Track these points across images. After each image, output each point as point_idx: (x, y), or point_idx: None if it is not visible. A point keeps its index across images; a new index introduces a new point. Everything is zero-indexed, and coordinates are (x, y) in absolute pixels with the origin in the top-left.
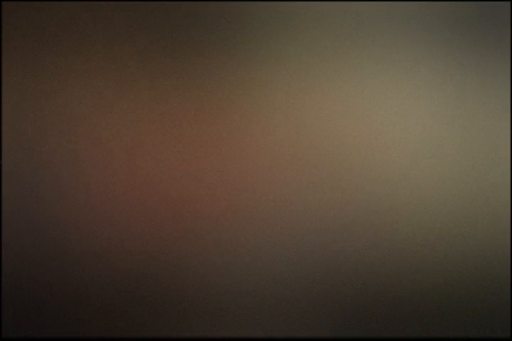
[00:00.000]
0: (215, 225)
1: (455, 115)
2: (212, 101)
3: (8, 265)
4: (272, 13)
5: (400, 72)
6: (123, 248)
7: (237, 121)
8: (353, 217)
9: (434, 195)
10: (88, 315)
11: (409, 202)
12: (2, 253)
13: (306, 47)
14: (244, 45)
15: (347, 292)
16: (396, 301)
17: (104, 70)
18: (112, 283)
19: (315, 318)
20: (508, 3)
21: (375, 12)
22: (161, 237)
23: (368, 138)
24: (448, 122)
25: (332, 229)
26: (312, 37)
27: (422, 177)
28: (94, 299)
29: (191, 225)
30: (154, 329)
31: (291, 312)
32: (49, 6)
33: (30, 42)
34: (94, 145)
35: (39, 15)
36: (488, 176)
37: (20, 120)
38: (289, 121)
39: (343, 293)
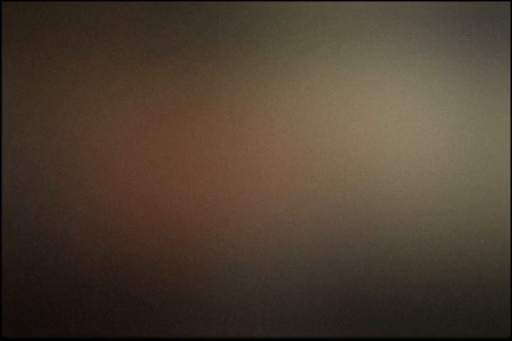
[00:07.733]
0: (216, 225)
1: (455, 115)
2: (213, 101)
3: (8, 265)
4: (273, 14)
5: (400, 72)
6: (123, 248)
7: (239, 123)
8: (353, 217)
9: (433, 195)
10: (88, 315)
11: (410, 202)
12: (2, 253)
13: (306, 48)
14: (245, 46)
15: (347, 292)
16: (396, 301)
17: (104, 70)
18: (112, 284)
19: (316, 318)
20: (508, 3)
21: (374, 12)
22: (161, 238)
23: (369, 138)
24: (447, 122)
25: (333, 228)
26: (312, 37)
27: (421, 178)
28: (94, 299)
29: (192, 225)
30: (154, 329)
31: (291, 313)
32: (49, 6)
33: (30, 42)
34: (94, 145)
35: (39, 15)
36: (488, 176)
37: (20, 120)
38: (290, 122)
39: (343, 293)
